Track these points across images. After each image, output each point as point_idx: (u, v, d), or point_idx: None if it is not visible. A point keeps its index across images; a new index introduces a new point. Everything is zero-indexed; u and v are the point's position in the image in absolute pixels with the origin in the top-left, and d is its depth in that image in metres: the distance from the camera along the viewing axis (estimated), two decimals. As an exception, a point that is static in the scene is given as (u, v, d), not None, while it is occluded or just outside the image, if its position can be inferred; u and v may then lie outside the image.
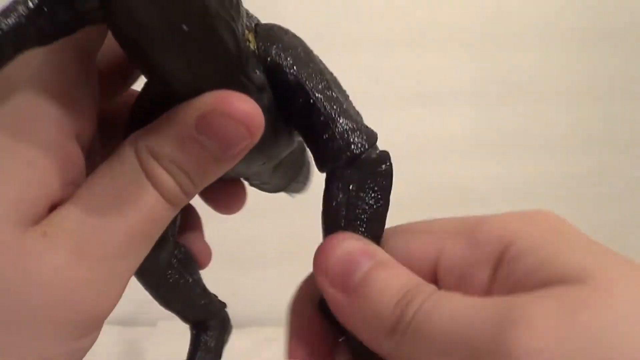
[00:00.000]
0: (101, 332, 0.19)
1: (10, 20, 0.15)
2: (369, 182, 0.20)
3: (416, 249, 0.20)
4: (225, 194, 0.29)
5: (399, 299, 0.18)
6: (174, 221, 0.21)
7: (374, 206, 0.21)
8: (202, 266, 0.28)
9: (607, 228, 0.52)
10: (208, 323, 0.29)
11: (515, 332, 0.15)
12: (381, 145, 0.23)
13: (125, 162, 0.18)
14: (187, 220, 0.29)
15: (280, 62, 0.20)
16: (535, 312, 0.16)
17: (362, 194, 0.20)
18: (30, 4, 0.16)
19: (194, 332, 0.29)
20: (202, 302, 0.27)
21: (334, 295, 0.19)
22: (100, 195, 0.18)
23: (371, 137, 0.21)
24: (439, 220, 0.21)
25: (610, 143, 0.71)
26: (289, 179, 0.30)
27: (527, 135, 0.70)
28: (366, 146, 0.20)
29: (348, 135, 0.20)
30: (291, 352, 0.21)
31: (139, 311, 0.58)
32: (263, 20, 0.23)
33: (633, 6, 0.68)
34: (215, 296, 0.29)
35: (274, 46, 0.20)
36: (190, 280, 0.27)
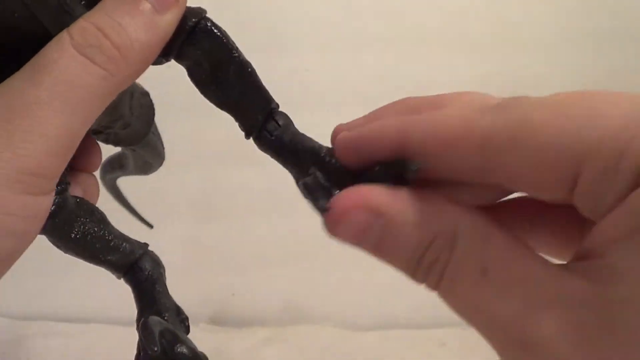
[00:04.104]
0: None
1: None
2: (217, 53, 0.22)
3: None
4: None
5: (417, 260, 0.18)
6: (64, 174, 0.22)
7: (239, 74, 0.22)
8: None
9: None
10: (140, 264, 0.27)
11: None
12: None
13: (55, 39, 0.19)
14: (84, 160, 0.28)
15: None
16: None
17: (219, 66, 0.22)
18: None
19: (130, 276, 0.28)
20: (124, 244, 0.27)
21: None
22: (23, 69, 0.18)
23: (198, 9, 0.22)
24: None
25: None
26: (148, 120, 0.30)
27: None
28: (198, 17, 0.21)
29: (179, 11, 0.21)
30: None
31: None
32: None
33: (636, 8, 0.68)
34: (133, 239, 0.28)
35: None
36: (106, 225, 0.26)
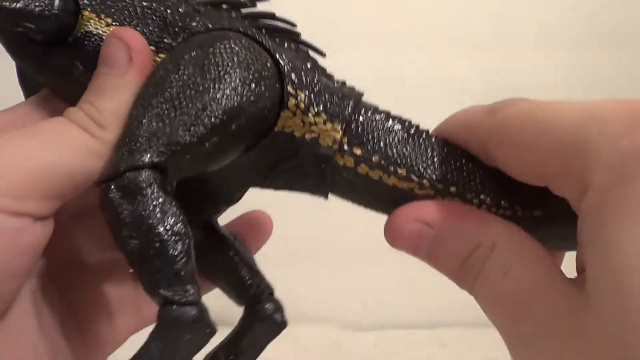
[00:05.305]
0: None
1: None
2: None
3: None
4: (249, 228, 0.32)
5: (461, 265, 0.20)
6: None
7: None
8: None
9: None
10: (258, 308, 0.28)
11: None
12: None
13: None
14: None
15: None
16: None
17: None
18: None
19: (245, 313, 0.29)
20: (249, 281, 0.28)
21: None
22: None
23: (114, 169, 0.20)
24: None
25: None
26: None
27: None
28: (103, 177, 0.20)
29: (111, 158, 0.21)
30: None
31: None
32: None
33: (637, 8, 0.68)
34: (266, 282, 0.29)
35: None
36: (235, 257, 0.28)
